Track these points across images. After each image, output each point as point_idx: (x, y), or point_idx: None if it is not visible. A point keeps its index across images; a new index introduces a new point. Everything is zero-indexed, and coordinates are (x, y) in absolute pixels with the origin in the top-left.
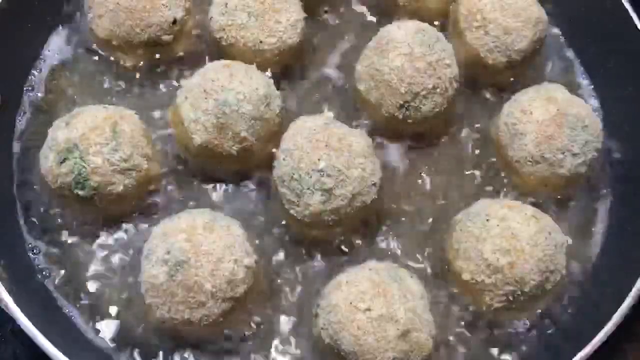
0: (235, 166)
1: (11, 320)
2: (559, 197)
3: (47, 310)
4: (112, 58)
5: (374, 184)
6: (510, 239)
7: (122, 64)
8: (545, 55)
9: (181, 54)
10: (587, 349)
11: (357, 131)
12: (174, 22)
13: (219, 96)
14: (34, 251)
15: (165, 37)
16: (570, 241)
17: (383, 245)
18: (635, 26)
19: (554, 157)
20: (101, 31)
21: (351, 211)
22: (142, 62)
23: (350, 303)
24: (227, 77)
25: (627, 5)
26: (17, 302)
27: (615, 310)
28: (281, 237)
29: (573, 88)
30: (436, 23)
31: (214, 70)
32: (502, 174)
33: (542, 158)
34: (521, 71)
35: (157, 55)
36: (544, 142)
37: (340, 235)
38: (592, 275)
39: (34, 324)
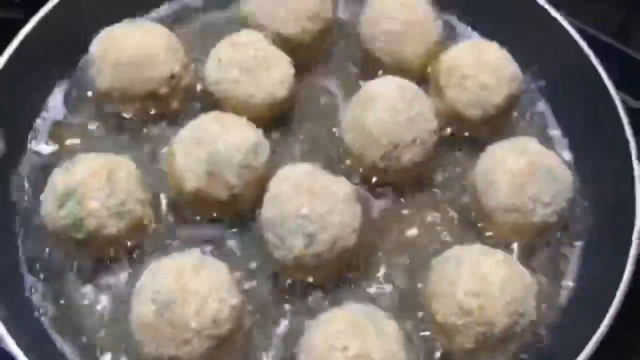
0: (225, 210)
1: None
2: (531, 244)
3: (42, 346)
4: (111, 109)
5: (355, 230)
6: (481, 283)
7: (120, 116)
8: (521, 109)
9: (178, 103)
10: None
11: (340, 179)
12: (172, 76)
13: (210, 146)
14: (32, 290)
15: (162, 91)
16: (535, 287)
17: (363, 287)
18: (605, 85)
19: (525, 206)
20: (102, 84)
21: (333, 255)
22: (139, 113)
23: (327, 342)
24: (219, 129)
25: (598, 66)
26: (14, 338)
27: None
28: (266, 279)
29: (547, 141)
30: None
31: (206, 122)
32: (479, 221)
33: (514, 207)
34: (497, 124)
35: (154, 106)
36: (516, 191)
37: (322, 278)
38: (561, 320)
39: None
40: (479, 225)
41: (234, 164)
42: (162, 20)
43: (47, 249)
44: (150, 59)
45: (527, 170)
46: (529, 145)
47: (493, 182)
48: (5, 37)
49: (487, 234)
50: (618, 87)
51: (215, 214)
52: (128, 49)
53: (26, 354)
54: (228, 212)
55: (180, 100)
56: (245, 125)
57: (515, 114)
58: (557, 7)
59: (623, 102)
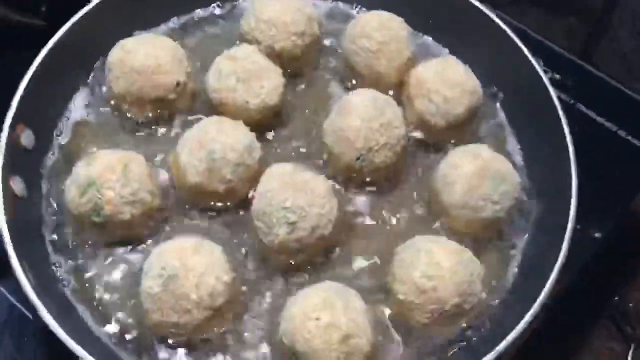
0: (221, 202)
1: (32, 323)
2: (480, 237)
3: (66, 313)
4: (125, 111)
5: (330, 220)
6: (435, 267)
7: (134, 117)
8: (481, 119)
9: (182, 109)
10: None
11: (319, 177)
12: (177, 84)
13: (209, 146)
14: (57, 265)
15: (170, 96)
16: (482, 272)
17: (338, 269)
18: (553, 100)
19: (476, 203)
20: (117, 89)
21: (312, 241)
22: (150, 115)
23: (304, 313)
24: (217, 131)
25: (547, 82)
26: (45, 306)
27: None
28: (255, 260)
29: (503, 147)
30: (391, 92)
31: (206, 125)
32: (439, 216)
33: (467, 204)
34: (459, 131)
35: (163, 110)
36: (468, 191)
37: (303, 260)
38: (504, 303)
39: (56, 322)
40: (439, 219)
41: (229, 162)
42: (170, 32)
43: (69, 231)
44: (159, 68)
45: (479, 173)
46: (481, 151)
47: (450, 184)
48: (29, 44)
49: (446, 226)
50: (579, 100)
51: (213, 204)
52: (140, 60)
53: (55, 319)
54: (225, 202)
55: (185, 105)
56: (240, 128)
57: (476, 122)
58: (526, 22)
59: (577, 113)
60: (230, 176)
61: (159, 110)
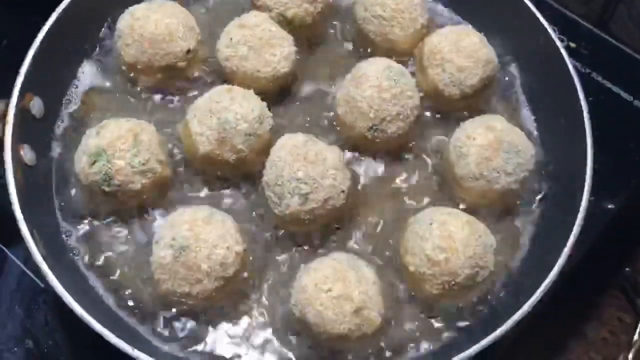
0: (232, 172)
1: (43, 291)
2: (494, 208)
3: (76, 282)
4: (135, 79)
5: (343, 191)
6: (447, 239)
7: (144, 85)
8: (495, 88)
9: (194, 75)
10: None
11: (332, 147)
12: (188, 51)
13: (221, 115)
14: (67, 234)
15: (180, 64)
16: (495, 244)
17: (350, 240)
18: (568, 69)
19: (490, 175)
20: (128, 57)
21: (323, 212)
22: (160, 83)
23: (316, 285)
24: (228, 100)
25: (562, 51)
26: (55, 274)
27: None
28: (266, 231)
29: (517, 117)
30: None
31: (217, 94)
32: (452, 187)
33: (481, 175)
34: (473, 102)
35: (173, 77)
36: (482, 162)
37: (315, 231)
38: (516, 274)
39: (66, 290)
40: (452, 189)
41: (240, 132)
42: None
43: (79, 199)
44: (169, 36)
45: (493, 144)
46: (496, 122)
47: (464, 154)
48: (41, 9)
49: (459, 198)
50: (594, 70)
51: (224, 175)
52: (150, 27)
53: (65, 288)
54: (235, 173)
55: (196, 72)
56: (251, 98)
57: (490, 91)
58: None
59: (593, 83)
60: (242, 146)
61: (170, 78)
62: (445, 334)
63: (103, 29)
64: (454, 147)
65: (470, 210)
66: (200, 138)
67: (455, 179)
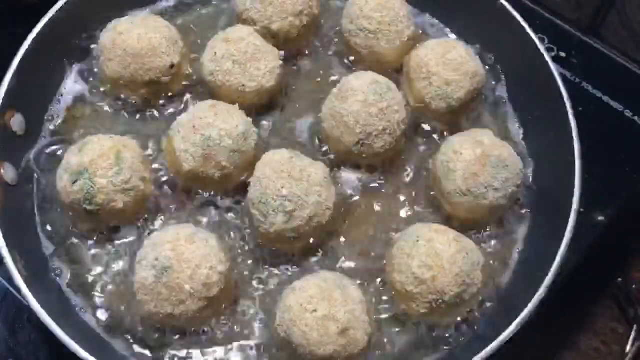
0: (216, 189)
1: (28, 309)
2: (481, 223)
3: (58, 303)
4: (118, 94)
5: (328, 208)
6: (434, 257)
7: (126, 100)
8: (483, 100)
9: (177, 91)
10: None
11: (317, 163)
12: (172, 66)
13: (205, 132)
14: (48, 254)
15: (164, 79)
16: (482, 261)
17: (334, 258)
18: (556, 81)
19: (478, 190)
20: (110, 72)
21: (309, 230)
22: (143, 98)
23: (301, 305)
24: (213, 116)
25: (550, 62)
26: (34, 295)
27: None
28: (251, 249)
29: (504, 129)
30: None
31: (202, 110)
32: (439, 202)
33: (468, 191)
34: (460, 116)
35: (156, 92)
36: (470, 178)
37: (300, 249)
38: (505, 291)
39: (47, 313)
40: (440, 205)
41: (225, 149)
42: (164, 12)
43: (61, 219)
44: (152, 50)
45: (480, 160)
46: (483, 137)
47: (451, 170)
48: (22, 22)
49: (446, 213)
50: (584, 79)
51: (208, 192)
52: (132, 42)
53: (46, 310)
54: (220, 189)
55: (179, 86)
56: (236, 113)
57: (478, 105)
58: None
59: (583, 92)
60: (226, 163)
61: (153, 93)
62: (434, 352)
63: (87, 43)
64: (441, 162)
65: (458, 225)
66: (184, 155)
67: (442, 194)
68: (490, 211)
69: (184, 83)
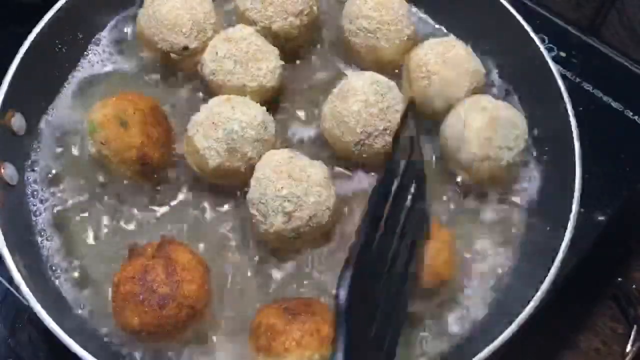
0: (242, 182)
1: (28, 309)
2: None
3: (58, 303)
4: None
5: (328, 208)
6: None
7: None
8: None
9: (185, 74)
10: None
11: (317, 163)
12: (185, 48)
13: (226, 126)
14: (48, 254)
15: (173, 56)
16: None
17: (337, 256)
18: (556, 80)
19: (495, 153)
20: (141, 22)
21: (309, 230)
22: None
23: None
24: (230, 109)
25: (550, 62)
26: (34, 295)
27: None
28: (253, 248)
29: None
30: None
31: (217, 104)
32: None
33: (487, 156)
34: None
35: (169, 64)
36: (485, 143)
37: (300, 248)
38: (505, 289)
39: (47, 313)
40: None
41: (248, 139)
42: None
43: (59, 218)
44: (174, 26)
45: (490, 124)
46: (485, 102)
47: (466, 140)
48: (22, 22)
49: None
50: (585, 79)
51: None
52: (163, 9)
53: (47, 310)
54: (244, 181)
55: (189, 70)
56: (251, 104)
57: None
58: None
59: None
60: (251, 153)
61: (162, 63)
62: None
63: (89, 40)
64: (451, 135)
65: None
66: (208, 152)
67: (461, 164)
68: (508, 170)
69: (193, 68)
